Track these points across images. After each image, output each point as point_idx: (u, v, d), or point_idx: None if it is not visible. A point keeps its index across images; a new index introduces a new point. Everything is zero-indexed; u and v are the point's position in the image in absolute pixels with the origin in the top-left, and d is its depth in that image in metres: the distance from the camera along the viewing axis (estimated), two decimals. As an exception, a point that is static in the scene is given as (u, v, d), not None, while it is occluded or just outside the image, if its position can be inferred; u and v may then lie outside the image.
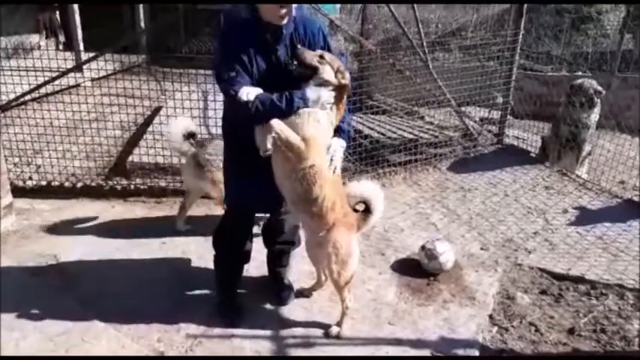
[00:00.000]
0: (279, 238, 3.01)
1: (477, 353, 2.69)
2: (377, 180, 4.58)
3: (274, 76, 2.44)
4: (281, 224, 2.96)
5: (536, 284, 3.27)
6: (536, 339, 2.81)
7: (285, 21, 2.41)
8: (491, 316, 2.97)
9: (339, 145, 2.56)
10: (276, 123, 2.33)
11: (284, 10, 2.35)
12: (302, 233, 2.99)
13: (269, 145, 2.43)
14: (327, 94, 2.42)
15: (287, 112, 2.37)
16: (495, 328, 2.88)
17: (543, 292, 3.19)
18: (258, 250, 3.06)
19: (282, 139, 2.35)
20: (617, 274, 3.33)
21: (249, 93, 2.31)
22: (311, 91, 2.39)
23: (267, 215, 3.06)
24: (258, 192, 2.61)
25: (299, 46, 2.42)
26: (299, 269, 3.22)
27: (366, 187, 2.72)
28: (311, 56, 2.41)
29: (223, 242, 2.91)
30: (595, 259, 3.52)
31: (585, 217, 4.08)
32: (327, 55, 2.43)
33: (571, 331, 2.86)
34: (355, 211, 2.71)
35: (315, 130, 2.39)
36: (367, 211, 2.71)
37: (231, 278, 2.97)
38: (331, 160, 2.52)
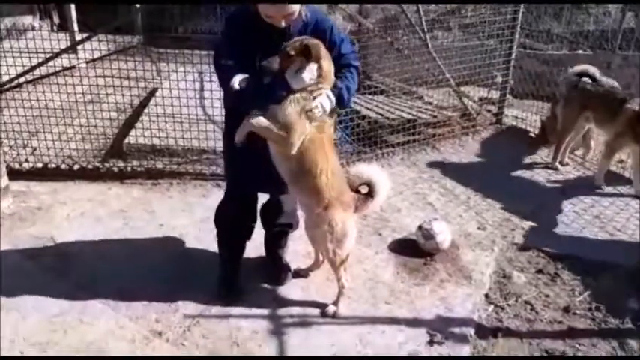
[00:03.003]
0: (277, 220, 3.02)
1: (472, 331, 2.71)
2: (375, 161, 4.58)
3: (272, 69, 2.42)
4: (279, 206, 2.96)
5: (533, 263, 3.28)
6: (531, 317, 2.83)
7: (283, 24, 2.37)
8: (487, 295, 2.99)
9: (325, 92, 2.43)
10: (251, 122, 2.37)
11: (277, 17, 2.32)
12: (300, 215, 3.00)
13: (239, 138, 2.46)
14: (310, 74, 2.36)
15: (272, 102, 2.38)
16: (491, 307, 2.90)
17: (539, 271, 3.20)
18: (256, 232, 3.06)
19: (263, 134, 2.40)
20: (613, 253, 3.34)
21: (240, 82, 2.34)
22: (292, 80, 2.36)
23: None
24: (258, 172, 2.61)
25: (263, 63, 2.37)
26: (295, 250, 3.23)
27: (373, 171, 2.72)
28: (283, 64, 2.36)
29: (224, 220, 2.94)
30: (591, 238, 3.52)
31: (583, 197, 4.08)
32: (290, 47, 2.33)
33: (566, 310, 2.88)
34: (357, 192, 2.71)
35: (296, 113, 2.37)
36: (370, 194, 2.70)
37: (232, 253, 2.99)
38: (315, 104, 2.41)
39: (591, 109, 4.33)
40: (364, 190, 2.71)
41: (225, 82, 2.40)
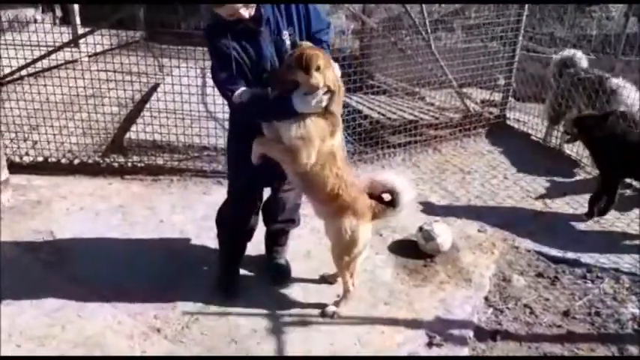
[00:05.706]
0: (279, 217, 2.99)
1: (471, 334, 2.71)
2: (376, 161, 4.58)
3: (264, 58, 2.42)
4: (282, 202, 2.94)
5: (533, 267, 3.28)
6: (530, 321, 2.83)
7: (246, 14, 2.30)
8: (486, 298, 2.98)
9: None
10: (259, 144, 2.39)
11: (233, 14, 2.28)
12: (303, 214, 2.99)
13: (255, 160, 2.49)
14: (317, 100, 2.31)
15: (276, 119, 2.38)
16: (490, 310, 2.89)
17: (539, 275, 3.19)
18: (256, 229, 3.05)
19: (272, 154, 2.43)
20: (614, 258, 3.34)
21: (242, 95, 2.33)
22: (299, 103, 2.31)
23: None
24: (261, 168, 2.59)
25: (268, 74, 2.35)
26: (295, 249, 3.22)
27: (399, 181, 2.66)
28: (284, 75, 2.29)
29: (226, 221, 2.92)
30: (592, 243, 3.52)
31: (584, 201, 4.07)
32: (296, 60, 2.25)
33: (566, 314, 2.88)
34: (379, 199, 2.66)
35: (304, 130, 2.33)
36: (391, 203, 2.65)
37: (234, 254, 2.98)
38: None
39: None
40: (387, 197, 2.66)
41: (229, 97, 2.38)
